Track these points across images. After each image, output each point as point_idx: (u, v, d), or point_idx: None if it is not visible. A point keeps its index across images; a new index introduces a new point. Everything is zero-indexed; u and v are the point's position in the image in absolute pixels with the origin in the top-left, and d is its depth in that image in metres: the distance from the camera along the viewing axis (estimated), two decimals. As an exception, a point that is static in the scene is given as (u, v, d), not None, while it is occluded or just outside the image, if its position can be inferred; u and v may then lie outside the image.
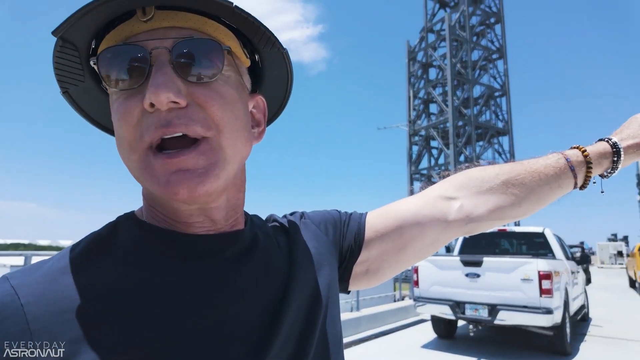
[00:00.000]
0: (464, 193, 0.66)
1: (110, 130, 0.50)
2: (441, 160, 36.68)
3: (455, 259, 5.79)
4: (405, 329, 7.27)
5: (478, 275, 5.47)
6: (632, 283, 14.03)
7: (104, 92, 0.48)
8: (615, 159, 0.69)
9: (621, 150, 0.69)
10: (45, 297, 0.38)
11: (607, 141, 0.70)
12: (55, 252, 0.60)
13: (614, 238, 45.14)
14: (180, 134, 0.40)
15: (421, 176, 37.77)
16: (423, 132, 37.58)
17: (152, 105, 0.39)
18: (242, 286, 0.46)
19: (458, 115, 34.46)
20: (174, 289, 0.42)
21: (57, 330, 0.37)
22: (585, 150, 0.68)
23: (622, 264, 31.04)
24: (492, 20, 38.46)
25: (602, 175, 0.71)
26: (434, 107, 38.18)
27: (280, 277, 0.50)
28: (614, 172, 0.70)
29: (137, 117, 0.40)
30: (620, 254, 23.23)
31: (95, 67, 0.41)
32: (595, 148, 0.69)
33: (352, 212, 0.67)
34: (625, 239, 45.00)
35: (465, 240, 7.01)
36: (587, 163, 0.68)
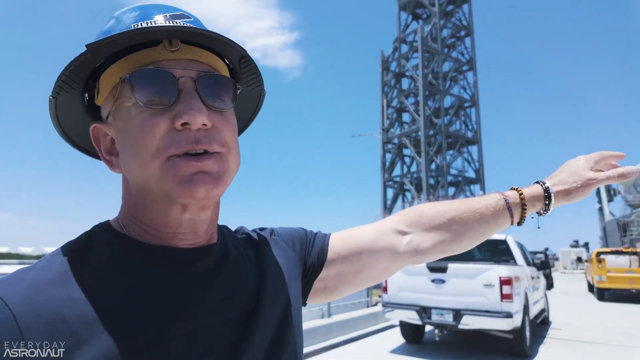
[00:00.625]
0: (414, 229, 0.74)
1: (70, 140, 0.56)
2: (413, 168, 37.46)
3: (422, 265, 5.92)
4: (375, 335, 7.36)
5: (443, 281, 5.62)
6: (591, 287, 14.74)
7: (82, 105, 0.52)
8: (547, 202, 0.76)
9: (552, 195, 0.75)
10: (34, 307, 0.40)
11: (542, 185, 0.77)
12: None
13: (575, 244, 47.31)
14: (202, 150, 0.47)
15: (394, 183, 38.41)
16: (396, 140, 38.29)
17: (183, 124, 0.46)
18: (215, 297, 0.50)
19: (429, 125, 35.37)
20: (153, 299, 0.46)
21: (49, 339, 0.39)
22: (522, 193, 0.76)
23: (582, 269, 32.56)
24: (463, 33, 39.87)
25: (538, 213, 0.79)
26: (406, 116, 39.02)
27: (251, 289, 0.55)
28: (547, 212, 0.78)
29: (164, 131, 0.46)
30: (580, 259, 24.35)
31: (124, 84, 0.47)
32: (531, 190, 0.77)
33: (317, 231, 0.74)
34: (586, 245, 47.21)
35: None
36: (523, 205, 0.75)
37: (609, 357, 5.57)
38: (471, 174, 38.30)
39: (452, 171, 37.00)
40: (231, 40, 0.48)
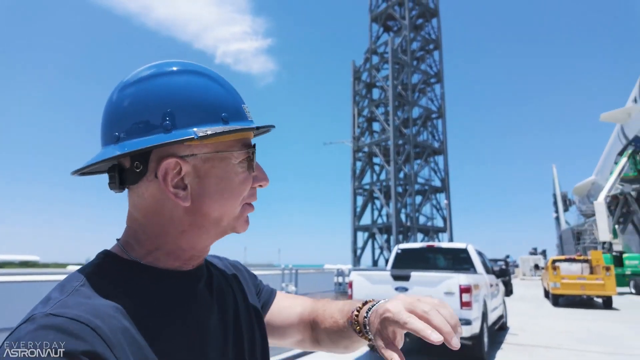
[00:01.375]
0: (314, 329, 0.76)
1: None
2: (382, 176, 38.11)
3: (386, 274, 6.00)
4: (340, 344, 7.34)
5: (406, 289, 5.70)
6: (546, 294, 15.44)
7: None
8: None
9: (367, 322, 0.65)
10: (99, 320, 0.44)
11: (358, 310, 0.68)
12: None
13: (534, 252, 49.55)
14: None
15: (364, 191, 38.91)
16: (366, 149, 38.86)
17: (259, 185, 0.62)
18: (210, 313, 0.59)
19: (398, 134, 36.17)
20: (178, 313, 0.54)
21: (126, 348, 0.44)
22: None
23: (539, 276, 34.10)
24: (431, 46, 41.24)
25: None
26: (376, 126, 39.76)
27: (231, 309, 0.65)
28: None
29: (249, 186, 0.60)
30: (537, 267, 25.54)
31: (248, 149, 0.59)
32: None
33: (266, 284, 0.82)
34: (543, 252, 49.54)
35: (397, 255, 7.31)
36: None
37: (560, 360, 5.84)
38: (437, 182, 39.43)
39: (420, 180, 37.96)
40: (273, 126, 0.64)
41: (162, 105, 0.53)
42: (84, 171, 0.56)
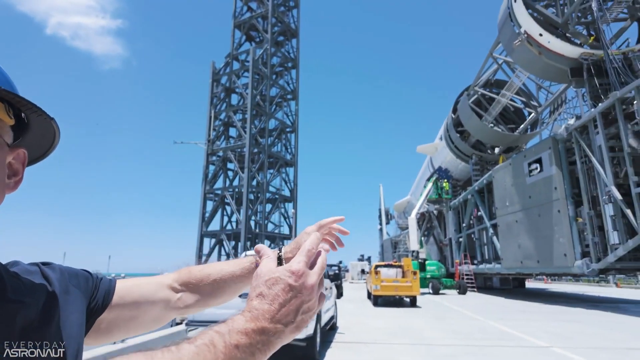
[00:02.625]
0: (185, 287, 0.85)
1: None
2: (235, 182, 37.79)
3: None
4: (176, 357, 6.96)
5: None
6: (369, 295, 17.88)
7: None
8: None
9: (283, 261, 0.80)
10: None
11: (279, 252, 0.79)
12: None
13: (361, 258, 56.34)
14: None
15: (215, 196, 37.80)
16: (221, 153, 38.01)
17: None
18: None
19: (254, 143, 36.63)
20: None
21: None
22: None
23: (365, 279, 39.07)
24: (290, 64, 43.43)
25: None
26: (233, 131, 39.36)
27: (34, 312, 0.54)
28: None
29: None
30: (363, 271, 29.27)
31: None
32: None
33: (103, 276, 0.77)
34: (369, 259, 56.79)
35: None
36: None
37: (376, 354, 6.88)
38: (287, 192, 41.34)
39: (271, 189, 39.10)
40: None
41: None
42: None
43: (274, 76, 40.85)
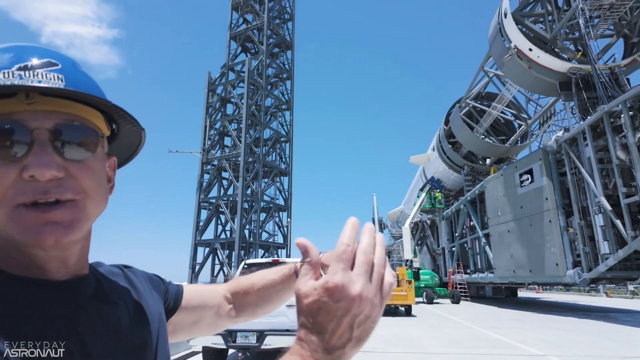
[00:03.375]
0: (234, 298, 0.88)
1: None
2: (230, 191, 37.76)
3: (233, 290, 6.09)
4: (176, 366, 6.99)
5: (252, 305, 5.94)
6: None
7: None
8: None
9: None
10: None
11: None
12: None
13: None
14: (54, 199, 0.47)
15: (209, 204, 37.68)
16: (216, 162, 38.02)
17: (32, 176, 0.46)
18: (98, 323, 0.53)
19: (249, 152, 36.75)
20: (38, 326, 0.46)
21: None
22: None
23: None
24: (285, 75, 43.85)
25: None
26: (228, 140, 39.46)
27: (126, 314, 0.59)
28: None
29: (11, 181, 0.46)
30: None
31: None
32: None
33: (169, 280, 0.80)
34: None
35: (243, 270, 7.51)
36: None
37: (373, 360, 6.97)
38: (281, 201, 41.38)
39: (265, 198, 39.12)
40: (84, 94, 0.49)
41: None
42: None
43: (269, 87, 41.19)
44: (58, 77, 0.48)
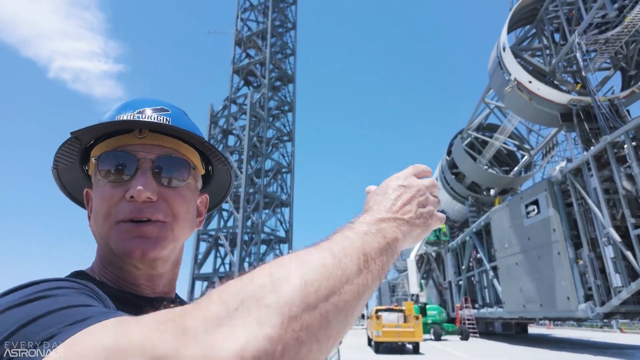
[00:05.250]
0: None
1: (74, 199, 0.69)
2: (230, 223, 37.36)
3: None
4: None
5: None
6: (369, 342, 17.18)
7: (82, 171, 0.66)
8: None
9: None
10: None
11: None
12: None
13: (358, 302, 54.72)
14: (146, 219, 0.56)
15: (209, 237, 37.17)
16: (215, 194, 37.88)
17: (132, 197, 0.56)
18: None
19: (250, 183, 36.69)
20: None
21: None
22: None
23: (363, 325, 37.69)
24: (286, 108, 44.60)
25: None
26: (228, 172, 39.53)
27: None
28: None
29: (116, 201, 0.57)
30: (363, 316, 28.26)
31: (95, 162, 0.59)
32: None
33: None
34: (366, 304, 55.22)
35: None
36: None
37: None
38: (282, 233, 40.84)
39: (266, 229, 38.63)
40: (186, 131, 0.60)
41: None
42: None
43: (270, 119, 41.76)
44: (166, 119, 0.61)
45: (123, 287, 0.58)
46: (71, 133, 0.56)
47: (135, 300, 0.57)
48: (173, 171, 0.60)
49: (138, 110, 0.61)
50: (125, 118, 0.59)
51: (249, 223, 36.43)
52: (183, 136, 0.62)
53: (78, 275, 0.58)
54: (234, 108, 40.20)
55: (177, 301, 0.65)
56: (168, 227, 0.58)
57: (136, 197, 0.55)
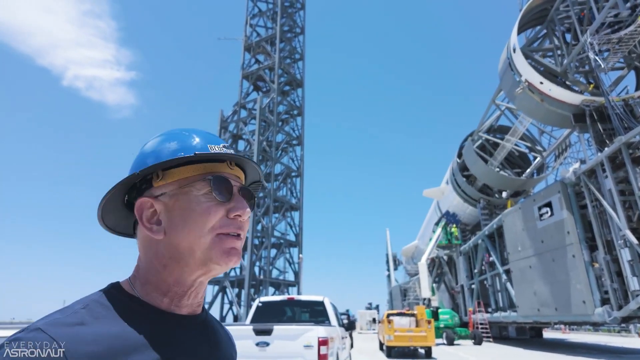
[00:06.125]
0: None
1: (114, 231, 0.73)
2: (240, 228, 37.50)
3: (248, 328, 5.77)
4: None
5: (268, 344, 5.59)
6: (381, 346, 17.03)
7: (123, 206, 0.71)
8: None
9: None
10: (76, 342, 0.52)
11: None
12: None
13: (369, 306, 54.28)
14: (238, 234, 0.67)
15: (218, 242, 37.37)
16: (226, 199, 38.09)
17: (238, 215, 0.67)
18: (204, 353, 0.68)
19: (260, 187, 36.85)
20: (162, 347, 0.60)
21: None
22: None
23: (375, 329, 37.40)
24: (295, 112, 44.76)
25: None
26: (239, 177, 39.72)
27: (223, 353, 0.74)
28: None
29: (220, 217, 0.65)
30: (374, 320, 28.07)
31: (209, 181, 0.66)
32: None
33: None
34: (377, 307, 54.74)
35: (258, 308, 7.19)
36: None
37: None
38: (292, 237, 40.84)
39: (276, 233, 38.69)
40: (252, 162, 0.75)
41: (140, 161, 0.68)
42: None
43: (279, 123, 41.97)
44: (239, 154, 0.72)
45: (163, 305, 0.64)
46: (196, 154, 0.65)
47: (172, 317, 0.64)
48: (253, 197, 0.74)
49: (223, 145, 0.71)
50: (217, 150, 0.68)
51: (259, 227, 36.55)
52: (251, 172, 0.78)
53: (112, 288, 0.64)
54: (243, 113, 40.52)
55: (202, 316, 0.72)
56: (243, 242, 0.70)
57: (242, 217, 0.67)
